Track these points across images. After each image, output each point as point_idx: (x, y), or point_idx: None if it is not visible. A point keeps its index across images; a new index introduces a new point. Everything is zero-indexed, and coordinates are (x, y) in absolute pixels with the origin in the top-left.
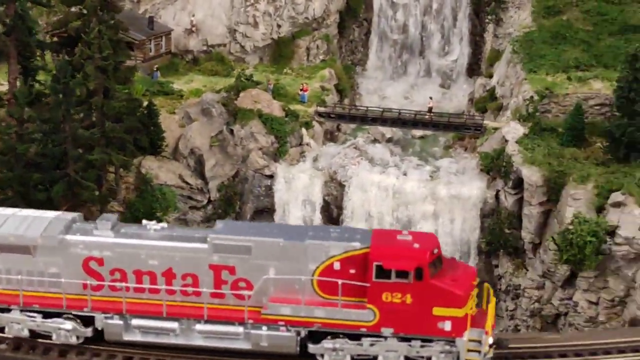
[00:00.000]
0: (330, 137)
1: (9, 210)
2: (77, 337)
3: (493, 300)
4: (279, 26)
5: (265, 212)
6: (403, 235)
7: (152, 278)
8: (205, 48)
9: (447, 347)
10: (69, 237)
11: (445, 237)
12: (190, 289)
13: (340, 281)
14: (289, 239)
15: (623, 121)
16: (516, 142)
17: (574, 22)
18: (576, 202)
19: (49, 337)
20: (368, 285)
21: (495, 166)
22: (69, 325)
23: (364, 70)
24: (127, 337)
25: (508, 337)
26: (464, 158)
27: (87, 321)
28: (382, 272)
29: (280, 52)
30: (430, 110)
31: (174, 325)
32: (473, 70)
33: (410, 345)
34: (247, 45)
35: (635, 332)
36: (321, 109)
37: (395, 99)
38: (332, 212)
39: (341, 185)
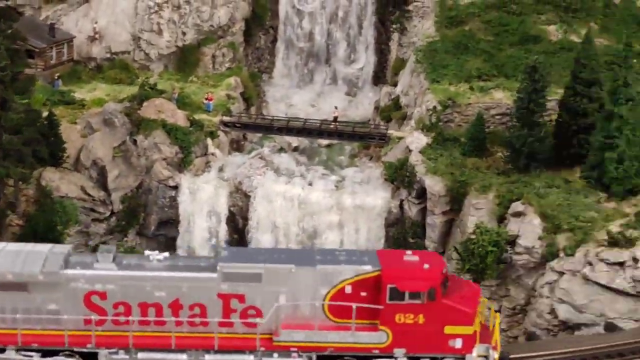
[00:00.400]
0: (237, 146)
1: (14, 246)
2: None
3: (498, 316)
4: (183, 34)
5: (170, 223)
6: (409, 255)
7: (158, 310)
8: (108, 55)
9: None
10: (69, 271)
11: (350, 246)
12: (198, 319)
13: (354, 305)
14: (300, 265)
15: (523, 132)
16: (419, 152)
17: (476, 32)
18: (478, 212)
19: None
20: (382, 307)
21: (399, 176)
22: None
23: (270, 78)
24: None
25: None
26: (368, 167)
27: (90, 358)
28: (396, 294)
29: (185, 59)
30: (335, 119)
31: (182, 357)
32: (379, 78)
33: None
34: (152, 52)
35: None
36: (226, 119)
37: (302, 107)
38: (237, 223)
39: (247, 196)
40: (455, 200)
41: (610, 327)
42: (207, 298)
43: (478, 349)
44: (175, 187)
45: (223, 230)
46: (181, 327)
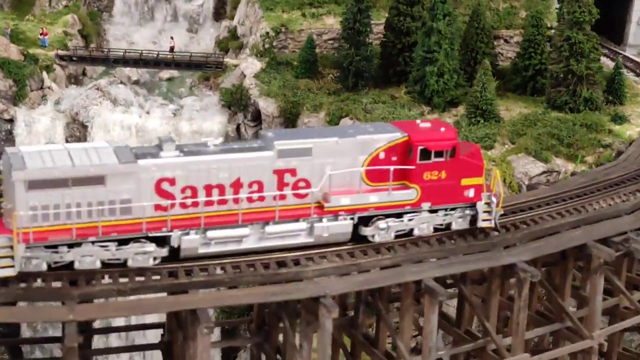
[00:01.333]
0: (75, 81)
1: (50, 146)
2: (154, 259)
3: (496, 169)
4: None
5: None
6: (423, 123)
7: (221, 190)
8: None
9: (464, 212)
10: (142, 161)
11: None
12: (256, 195)
13: (392, 167)
14: (342, 137)
15: (350, 51)
16: (253, 76)
17: None
18: None
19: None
20: (413, 167)
21: (235, 101)
22: (150, 247)
23: (111, 17)
24: (202, 250)
25: None
26: (207, 96)
27: (161, 242)
28: (425, 155)
29: None
30: (172, 49)
31: (245, 231)
32: (220, 14)
33: (437, 215)
34: None
35: None
36: (62, 52)
37: (143, 45)
38: None
39: (84, 126)
40: (289, 120)
41: None
42: (264, 175)
43: (485, 197)
44: (11, 121)
45: None
46: (242, 204)
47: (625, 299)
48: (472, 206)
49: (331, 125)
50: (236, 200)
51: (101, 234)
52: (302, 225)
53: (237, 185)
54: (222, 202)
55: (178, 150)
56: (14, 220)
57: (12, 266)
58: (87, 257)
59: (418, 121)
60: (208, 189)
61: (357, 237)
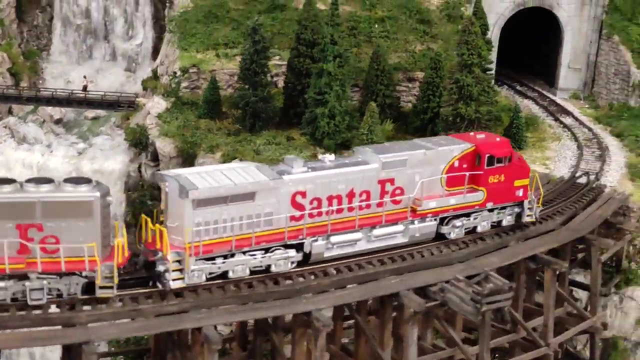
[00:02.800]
0: None
1: (202, 168)
2: (292, 263)
3: (536, 174)
4: None
5: None
6: (479, 134)
7: (339, 200)
8: None
9: (513, 210)
10: (285, 177)
11: None
12: (364, 204)
13: (467, 173)
14: (428, 149)
15: (246, 92)
16: (156, 116)
17: (228, 2)
18: None
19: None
20: (481, 172)
21: (139, 140)
22: (292, 253)
23: (49, 55)
24: (327, 254)
25: None
26: (119, 135)
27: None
28: (491, 161)
29: None
30: (85, 88)
31: (358, 235)
32: (158, 53)
33: (493, 213)
34: None
35: None
36: None
37: (80, 83)
38: None
39: None
40: (187, 161)
41: None
42: (371, 185)
43: (530, 195)
44: None
45: None
46: (355, 212)
47: (459, 351)
48: (519, 204)
49: None
50: (351, 208)
51: (253, 244)
52: (400, 227)
53: (351, 195)
54: (340, 210)
55: (305, 166)
56: (186, 236)
57: (183, 278)
58: (239, 266)
59: (471, 133)
60: (330, 199)
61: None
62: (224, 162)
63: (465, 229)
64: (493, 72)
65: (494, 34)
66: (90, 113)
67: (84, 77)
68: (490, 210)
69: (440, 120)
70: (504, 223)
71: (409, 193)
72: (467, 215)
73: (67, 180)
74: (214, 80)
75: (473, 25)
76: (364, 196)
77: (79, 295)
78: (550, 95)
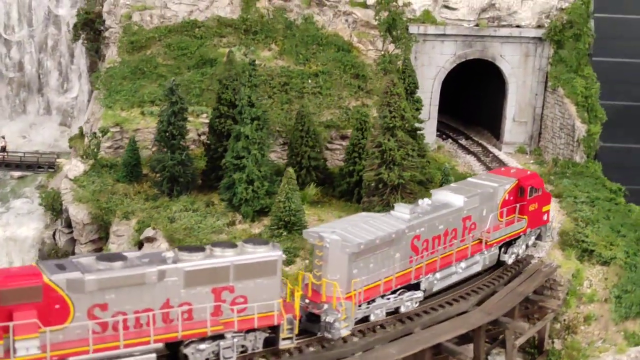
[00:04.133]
0: None
1: (340, 222)
2: (415, 302)
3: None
4: None
5: None
6: (513, 168)
7: (439, 240)
8: None
9: (536, 231)
10: (410, 223)
11: None
12: (454, 240)
13: (518, 205)
14: (492, 187)
15: (164, 155)
16: (72, 180)
17: (157, 57)
18: (119, 239)
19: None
20: (525, 203)
21: (52, 206)
22: (418, 293)
23: None
24: (435, 288)
25: None
26: (38, 198)
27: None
28: (531, 192)
29: None
30: (3, 149)
31: (453, 268)
32: None
33: (526, 236)
34: None
35: None
36: None
37: (12, 139)
38: None
39: None
40: (103, 228)
41: None
42: (457, 223)
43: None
44: None
45: None
46: (448, 248)
47: None
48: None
49: (138, 235)
50: (447, 246)
51: (394, 286)
52: (478, 258)
53: (446, 234)
54: (444, 248)
55: (415, 212)
56: (352, 286)
57: (347, 326)
58: (378, 310)
59: (503, 169)
60: (434, 239)
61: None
62: (138, 229)
63: (513, 253)
64: (423, 132)
65: (434, 88)
66: (16, 173)
67: (2, 137)
68: (525, 234)
69: (364, 186)
70: (530, 243)
71: (481, 227)
72: (514, 240)
73: (246, 242)
74: (133, 142)
75: (395, 87)
76: (454, 233)
77: (261, 349)
78: (495, 151)
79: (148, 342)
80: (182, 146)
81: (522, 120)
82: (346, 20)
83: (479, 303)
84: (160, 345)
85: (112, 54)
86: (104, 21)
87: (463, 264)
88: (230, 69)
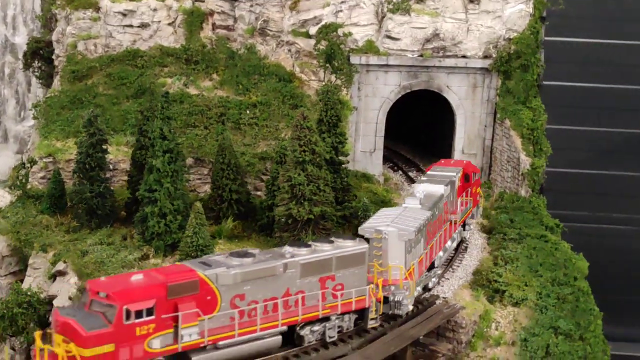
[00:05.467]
0: None
1: (381, 215)
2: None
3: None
4: None
5: None
6: (451, 160)
7: (437, 224)
8: None
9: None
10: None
11: None
12: (443, 224)
13: (466, 189)
14: (452, 177)
15: (83, 187)
16: None
17: (97, 86)
18: (35, 272)
19: None
20: (470, 186)
21: None
22: (438, 270)
23: None
24: (437, 263)
25: None
26: None
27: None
28: (473, 177)
29: None
30: None
31: (447, 246)
32: None
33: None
34: None
35: None
36: None
37: None
38: None
39: None
40: (21, 261)
41: None
42: (442, 208)
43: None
44: None
45: None
46: (441, 230)
47: None
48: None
49: (53, 268)
50: (441, 229)
51: (424, 267)
52: (455, 236)
53: (439, 219)
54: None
55: (421, 202)
56: (412, 268)
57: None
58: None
59: (443, 161)
60: (434, 224)
61: None
62: (53, 262)
63: (469, 229)
64: (347, 166)
65: (379, 119)
66: None
67: None
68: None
69: (276, 220)
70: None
71: (451, 210)
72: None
73: (337, 237)
74: (57, 173)
75: (305, 120)
76: (442, 218)
77: (352, 328)
78: None
79: (277, 326)
80: (100, 178)
81: (472, 152)
82: (289, 50)
83: (360, 346)
84: (285, 328)
85: (56, 83)
86: (52, 50)
87: (449, 243)
88: (151, 99)
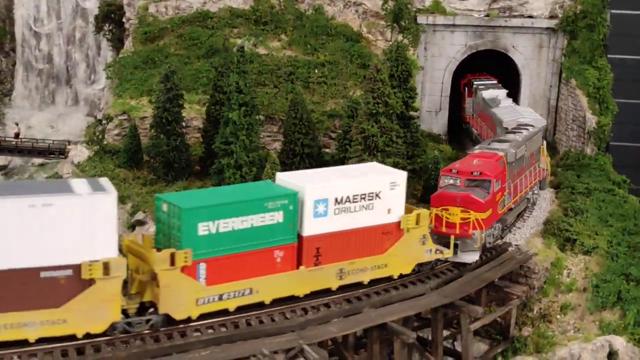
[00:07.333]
0: None
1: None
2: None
3: None
4: None
5: None
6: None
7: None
8: None
9: None
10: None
11: None
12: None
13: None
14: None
15: (160, 141)
16: (75, 165)
17: (169, 47)
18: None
19: None
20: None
21: None
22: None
23: (10, 100)
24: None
25: None
26: None
27: None
28: None
29: None
30: (17, 135)
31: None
32: None
33: None
34: None
35: None
36: None
37: (41, 128)
38: None
39: None
40: None
41: None
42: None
43: None
44: None
45: None
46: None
47: None
48: None
49: (131, 218)
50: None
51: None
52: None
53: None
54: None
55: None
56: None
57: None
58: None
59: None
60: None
61: None
62: (132, 213)
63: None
64: (417, 121)
65: (445, 79)
66: (38, 159)
67: (16, 123)
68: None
69: None
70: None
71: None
72: None
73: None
74: (134, 128)
75: (379, 73)
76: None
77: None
78: None
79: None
80: (177, 132)
81: (537, 112)
82: (356, 11)
83: (438, 286)
84: None
85: (129, 44)
86: (123, 13)
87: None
88: (226, 56)
